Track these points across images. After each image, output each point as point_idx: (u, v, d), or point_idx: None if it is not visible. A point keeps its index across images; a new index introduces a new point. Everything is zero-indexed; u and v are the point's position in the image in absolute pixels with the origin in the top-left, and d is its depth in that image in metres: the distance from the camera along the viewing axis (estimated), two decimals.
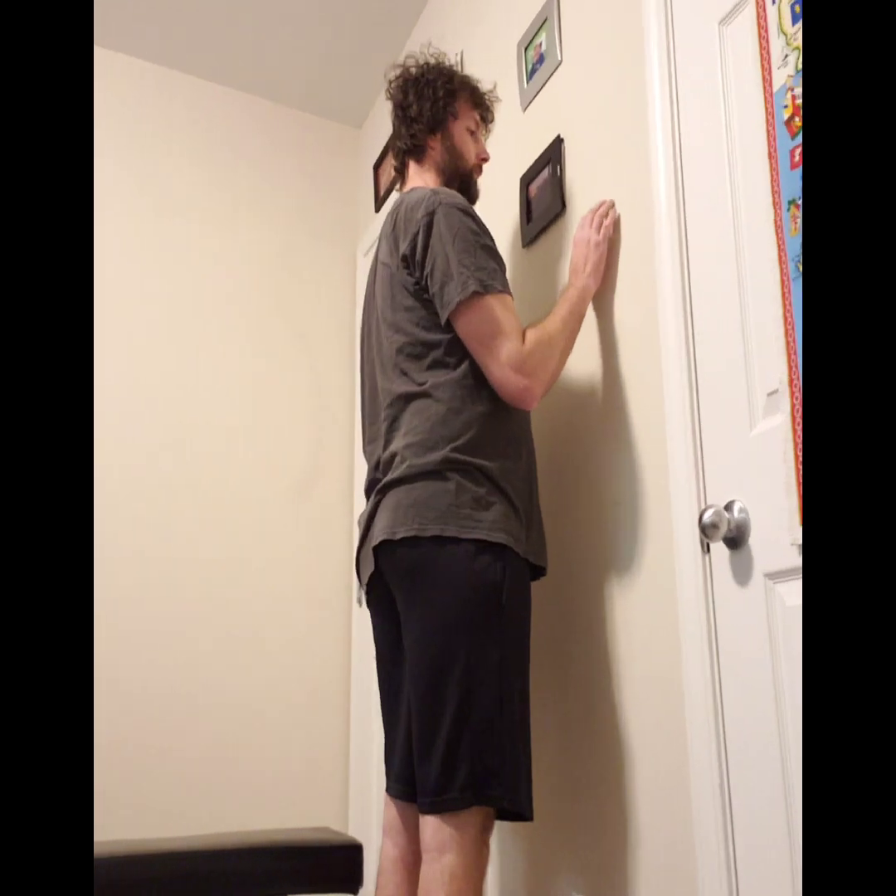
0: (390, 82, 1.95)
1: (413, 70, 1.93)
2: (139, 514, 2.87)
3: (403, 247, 1.69)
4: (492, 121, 2.01)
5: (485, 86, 2.02)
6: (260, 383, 3.14)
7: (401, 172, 1.96)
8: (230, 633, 2.91)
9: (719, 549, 1.45)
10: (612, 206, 1.82)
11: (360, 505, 3.07)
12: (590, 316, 1.85)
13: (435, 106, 1.88)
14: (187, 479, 2.95)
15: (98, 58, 3.15)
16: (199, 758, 2.78)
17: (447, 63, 1.95)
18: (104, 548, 2.83)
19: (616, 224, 1.80)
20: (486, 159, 1.96)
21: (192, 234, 3.16)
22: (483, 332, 1.61)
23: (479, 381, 1.64)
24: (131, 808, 2.67)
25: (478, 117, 1.95)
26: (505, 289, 1.64)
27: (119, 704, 2.72)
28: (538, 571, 1.72)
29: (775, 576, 1.33)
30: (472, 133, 1.93)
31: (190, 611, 2.88)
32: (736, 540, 1.41)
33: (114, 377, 2.92)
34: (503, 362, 1.60)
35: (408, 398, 1.66)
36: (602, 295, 1.81)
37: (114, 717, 2.71)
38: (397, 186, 2.02)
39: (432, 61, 1.93)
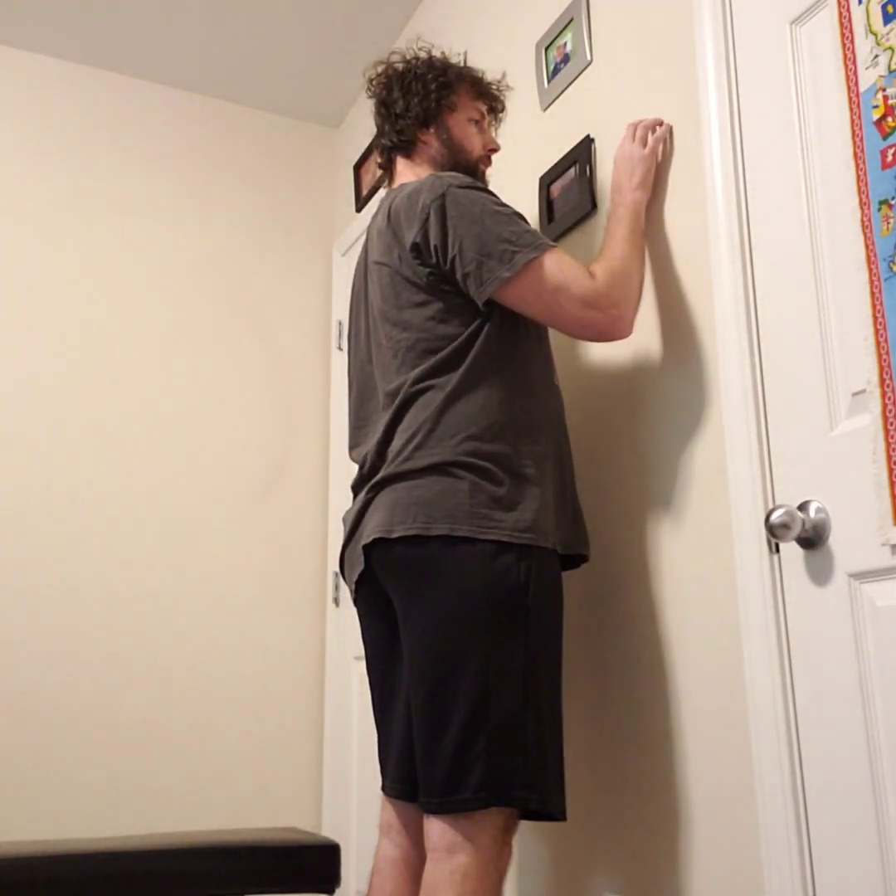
0: (371, 80, 1.90)
1: (399, 66, 1.87)
2: (99, 518, 2.85)
3: (411, 236, 1.63)
4: (502, 110, 1.97)
5: (492, 76, 1.97)
6: (225, 384, 3.10)
7: (387, 170, 1.91)
8: (200, 633, 2.88)
9: (791, 549, 1.44)
10: (660, 121, 1.79)
11: (336, 506, 3.01)
12: (640, 315, 1.81)
13: (425, 100, 1.82)
14: (142, 481, 2.92)
15: (64, 70, 3.12)
16: (166, 758, 2.75)
17: (440, 56, 1.89)
18: (73, 551, 2.79)
19: (669, 137, 1.78)
20: (495, 149, 1.92)
21: (156, 238, 3.11)
22: (546, 288, 1.58)
23: (494, 368, 1.60)
24: (103, 805, 2.64)
25: (483, 108, 1.90)
26: (553, 244, 1.62)
27: (93, 702, 2.70)
28: (577, 559, 1.69)
29: (862, 576, 1.32)
30: (477, 123, 1.88)
31: (157, 610, 2.84)
32: (812, 540, 1.40)
33: (64, 379, 2.89)
34: (579, 304, 1.58)
35: (415, 395, 1.61)
36: (655, 290, 1.79)
37: (88, 714, 2.69)
38: (385, 184, 1.96)
39: (423, 55, 1.88)
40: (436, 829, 1.46)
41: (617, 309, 1.59)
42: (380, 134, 1.89)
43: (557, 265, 1.58)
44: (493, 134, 1.96)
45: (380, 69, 1.89)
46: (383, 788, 1.69)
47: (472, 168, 1.84)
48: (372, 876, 1.68)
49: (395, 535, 1.53)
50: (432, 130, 1.83)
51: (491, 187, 1.93)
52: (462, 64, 1.90)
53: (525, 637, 1.49)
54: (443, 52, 1.91)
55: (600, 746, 1.79)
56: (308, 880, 1.83)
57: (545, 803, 1.46)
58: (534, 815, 1.51)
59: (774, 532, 1.39)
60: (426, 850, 1.48)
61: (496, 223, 1.60)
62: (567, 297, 1.58)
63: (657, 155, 1.78)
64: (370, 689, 1.75)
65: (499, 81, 1.95)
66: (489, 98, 1.92)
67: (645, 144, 1.77)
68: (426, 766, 1.48)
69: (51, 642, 2.69)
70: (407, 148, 1.85)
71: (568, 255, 1.62)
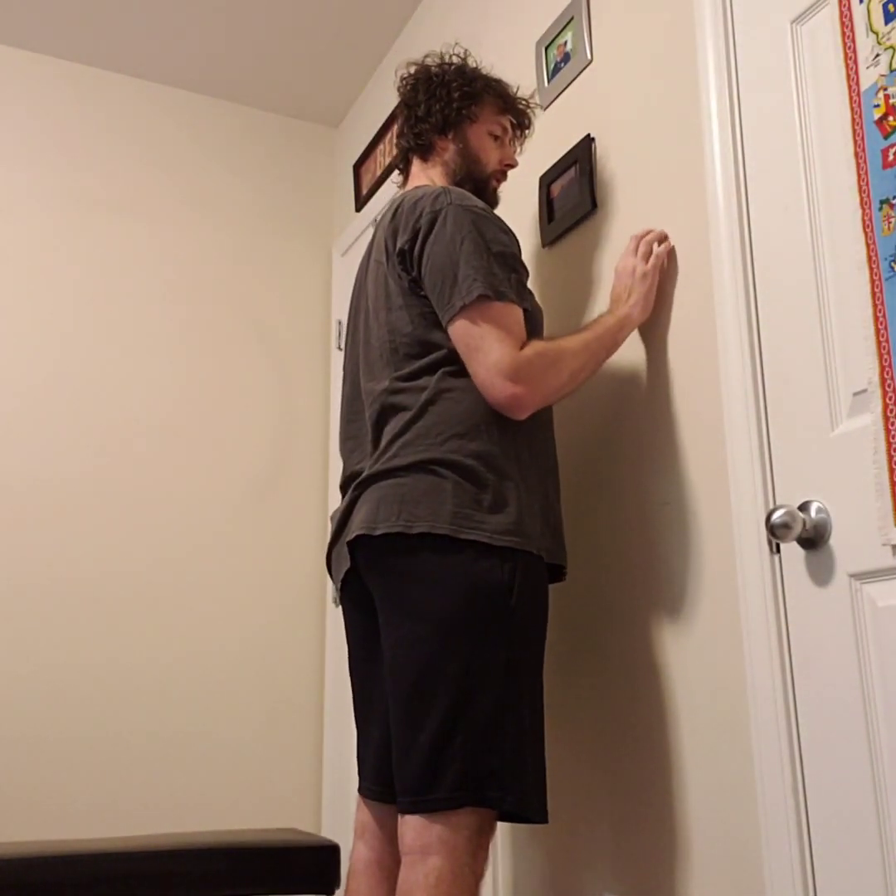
0: (402, 79, 1.91)
1: (430, 69, 1.87)
2: (97, 518, 2.84)
3: (401, 242, 1.64)
4: (528, 127, 1.96)
5: (523, 91, 1.96)
6: (224, 384, 3.09)
7: (403, 170, 1.92)
8: (200, 633, 2.87)
9: (791, 549, 1.43)
10: (665, 237, 1.76)
11: (335, 505, 3.00)
12: None
13: (447, 107, 1.82)
14: (141, 481, 2.91)
15: (62, 69, 3.11)
16: (165, 758, 2.74)
17: (472, 64, 1.90)
18: (72, 551, 2.79)
19: (671, 254, 1.76)
20: (511, 165, 1.91)
21: (155, 237, 3.11)
22: (475, 334, 1.54)
23: None
24: (102, 806, 2.63)
25: (506, 123, 1.90)
26: (518, 301, 1.58)
27: (91, 702, 2.69)
28: (556, 571, 1.67)
29: (863, 576, 1.32)
30: (498, 138, 1.88)
31: (156, 610, 2.84)
32: (813, 540, 1.39)
33: (62, 378, 2.88)
34: (489, 365, 1.53)
35: (401, 395, 1.60)
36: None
37: (87, 715, 2.68)
38: (399, 184, 1.97)
39: (457, 61, 1.88)
40: (410, 831, 1.45)
41: (518, 387, 1.53)
42: (399, 133, 1.90)
43: (505, 319, 1.55)
44: (518, 150, 1.95)
45: (412, 70, 1.89)
46: (360, 790, 1.68)
47: (483, 181, 1.84)
48: (348, 879, 1.67)
49: (378, 533, 1.53)
50: (450, 137, 1.83)
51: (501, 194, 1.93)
52: (493, 76, 1.89)
53: (507, 639, 1.49)
54: (477, 61, 1.90)
55: (600, 747, 1.79)
56: (307, 881, 1.83)
57: (521, 805, 1.45)
58: (511, 816, 1.50)
59: (775, 532, 1.38)
60: (400, 853, 1.47)
61: (471, 251, 1.56)
62: (485, 354, 1.53)
63: (659, 269, 1.74)
64: (351, 689, 1.75)
65: (528, 98, 1.94)
66: (515, 114, 1.91)
67: (647, 260, 1.74)
68: (402, 766, 1.48)
69: (50, 642, 2.68)
70: (423, 151, 1.86)
71: (518, 320, 1.57)
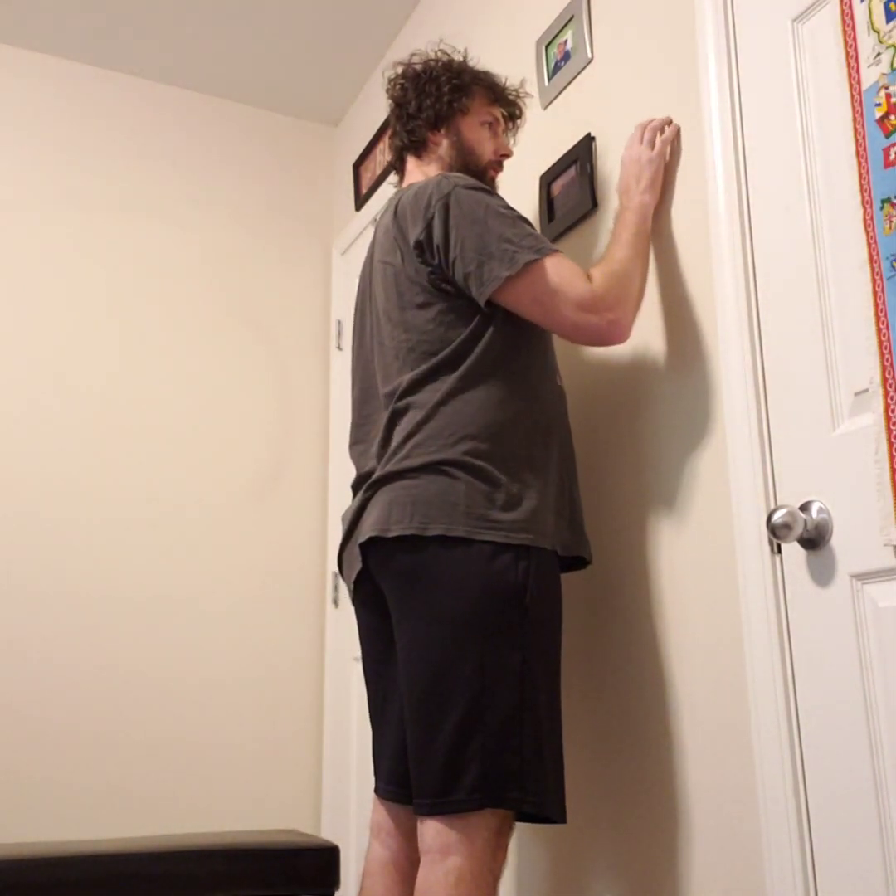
0: (389, 80, 1.91)
1: (417, 67, 1.88)
2: (96, 519, 2.84)
3: (415, 234, 1.63)
4: (519, 117, 1.96)
5: (511, 82, 1.97)
6: (223, 383, 3.08)
7: (398, 169, 1.92)
8: (199, 634, 2.87)
9: (792, 549, 1.43)
10: (669, 121, 1.77)
11: (335, 506, 3.01)
12: (641, 314, 1.81)
13: (438, 102, 1.83)
14: (141, 481, 2.90)
15: (62, 68, 3.11)
16: (165, 760, 2.74)
17: (459, 59, 1.90)
18: (71, 551, 2.78)
19: (677, 137, 1.76)
20: (507, 155, 1.91)
21: (155, 236, 3.11)
22: (543, 291, 1.57)
23: (494, 369, 1.60)
24: (102, 808, 2.63)
25: (498, 113, 1.90)
26: (555, 248, 1.61)
27: (92, 703, 2.69)
28: (577, 563, 1.67)
29: (865, 576, 1.32)
30: (491, 127, 1.88)
31: (155, 611, 2.83)
32: (814, 541, 1.39)
33: (61, 377, 2.88)
34: (575, 307, 1.56)
35: (414, 395, 1.60)
36: (654, 294, 1.78)
37: (87, 716, 2.68)
38: (396, 183, 1.97)
39: (443, 58, 1.89)
40: (430, 831, 1.45)
41: (613, 313, 1.57)
42: (392, 133, 1.90)
43: (556, 268, 1.57)
44: (511, 141, 1.96)
45: (399, 70, 1.89)
46: (376, 790, 1.68)
47: (480, 172, 1.84)
48: (363, 878, 1.67)
49: (391, 535, 1.53)
50: (443, 132, 1.84)
51: (499, 185, 1.93)
52: (480, 68, 1.90)
53: (522, 638, 1.48)
54: (464, 54, 1.90)
55: (601, 748, 1.79)
56: (308, 882, 1.83)
57: (540, 806, 1.45)
58: (531, 817, 1.50)
59: (776, 532, 1.38)
60: (420, 852, 1.47)
61: (499, 224, 1.59)
62: (563, 300, 1.56)
63: (665, 156, 1.76)
64: (366, 689, 1.74)
65: (518, 88, 1.94)
66: (505, 104, 1.92)
67: (653, 146, 1.76)
68: (420, 768, 1.47)
69: (50, 644, 2.68)
70: (417, 148, 1.86)
71: (568, 260, 1.61)
